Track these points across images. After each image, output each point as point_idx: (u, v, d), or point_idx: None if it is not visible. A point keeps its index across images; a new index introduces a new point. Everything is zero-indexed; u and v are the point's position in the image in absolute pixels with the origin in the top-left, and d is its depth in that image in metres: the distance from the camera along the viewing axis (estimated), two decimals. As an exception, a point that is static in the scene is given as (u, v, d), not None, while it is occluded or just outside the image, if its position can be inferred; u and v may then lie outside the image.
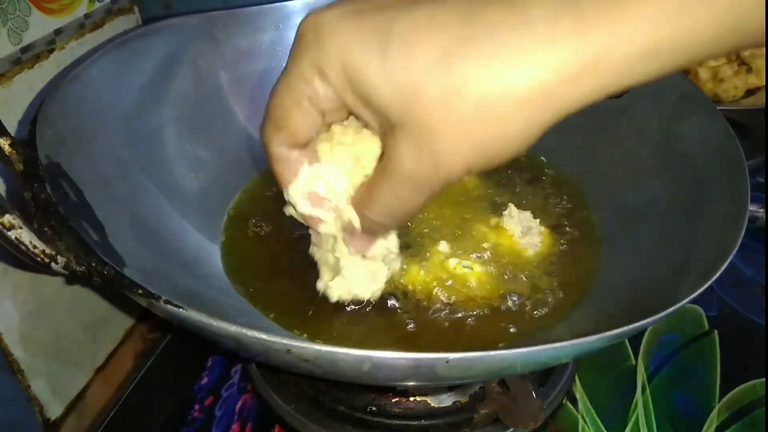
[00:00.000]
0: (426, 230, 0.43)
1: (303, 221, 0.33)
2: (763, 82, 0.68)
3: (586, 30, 0.21)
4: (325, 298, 0.37)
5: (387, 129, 0.26)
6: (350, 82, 0.25)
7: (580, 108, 0.24)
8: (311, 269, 0.41)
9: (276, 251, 0.44)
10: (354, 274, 0.35)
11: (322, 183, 0.31)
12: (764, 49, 0.70)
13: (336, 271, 0.35)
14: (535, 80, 0.22)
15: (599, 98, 0.23)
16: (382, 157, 0.29)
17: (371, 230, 0.31)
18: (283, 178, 0.31)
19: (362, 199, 0.29)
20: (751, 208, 0.34)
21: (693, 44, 0.21)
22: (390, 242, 0.35)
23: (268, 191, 0.50)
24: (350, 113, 0.28)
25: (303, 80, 0.26)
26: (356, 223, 0.30)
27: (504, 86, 0.22)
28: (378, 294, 0.37)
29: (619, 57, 0.22)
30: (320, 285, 0.37)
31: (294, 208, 0.32)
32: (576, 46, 0.22)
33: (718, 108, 0.42)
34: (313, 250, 0.37)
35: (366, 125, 0.28)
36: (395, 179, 0.26)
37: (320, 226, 0.33)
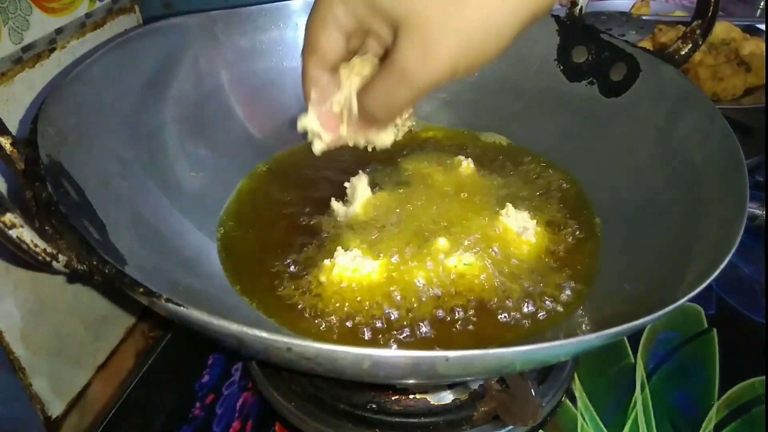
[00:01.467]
0: (426, 227, 0.44)
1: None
2: (762, 82, 0.69)
3: None
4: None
5: (394, 37, 0.30)
6: None
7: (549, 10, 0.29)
8: (311, 267, 0.41)
9: (276, 249, 0.44)
10: None
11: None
12: (764, 48, 0.70)
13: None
14: None
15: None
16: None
17: (366, 119, 0.35)
18: (309, 96, 0.35)
19: (363, 89, 0.34)
20: (750, 206, 0.35)
21: None
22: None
23: (268, 190, 0.50)
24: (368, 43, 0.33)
25: (326, 3, 0.31)
26: (355, 108, 0.34)
27: None
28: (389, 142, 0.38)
29: None
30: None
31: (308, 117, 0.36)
32: None
33: (717, 107, 0.42)
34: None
35: (379, 40, 0.32)
36: (388, 74, 0.31)
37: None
